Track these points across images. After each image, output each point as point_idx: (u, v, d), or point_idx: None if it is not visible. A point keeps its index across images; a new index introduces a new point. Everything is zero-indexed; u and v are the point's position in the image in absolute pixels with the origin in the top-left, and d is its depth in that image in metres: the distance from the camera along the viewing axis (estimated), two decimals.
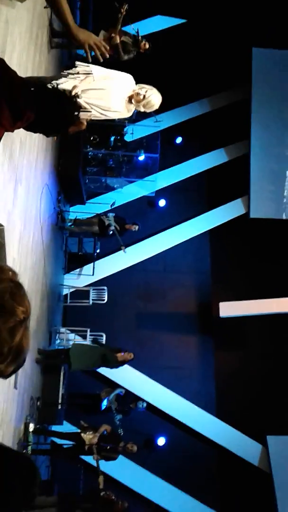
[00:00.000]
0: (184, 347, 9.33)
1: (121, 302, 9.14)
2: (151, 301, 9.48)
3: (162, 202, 10.07)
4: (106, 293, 8.67)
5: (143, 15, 9.31)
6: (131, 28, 6.21)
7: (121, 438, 6.76)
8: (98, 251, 8.87)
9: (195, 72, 10.21)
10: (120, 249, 8.68)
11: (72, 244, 8.76)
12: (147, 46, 6.18)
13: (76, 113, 2.10)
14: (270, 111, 10.21)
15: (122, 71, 6.88)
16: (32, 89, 1.90)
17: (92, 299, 8.60)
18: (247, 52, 10.18)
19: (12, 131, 1.83)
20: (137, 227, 8.69)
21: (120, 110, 4.23)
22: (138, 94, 4.13)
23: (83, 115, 4.17)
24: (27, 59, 4.79)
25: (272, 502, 8.17)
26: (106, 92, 4.15)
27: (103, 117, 4.28)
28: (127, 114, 4.32)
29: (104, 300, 8.65)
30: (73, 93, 3.99)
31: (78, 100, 3.95)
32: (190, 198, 10.22)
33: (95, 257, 8.92)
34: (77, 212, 8.96)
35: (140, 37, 6.07)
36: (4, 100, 1.71)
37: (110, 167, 9.10)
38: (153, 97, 4.17)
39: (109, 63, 6.30)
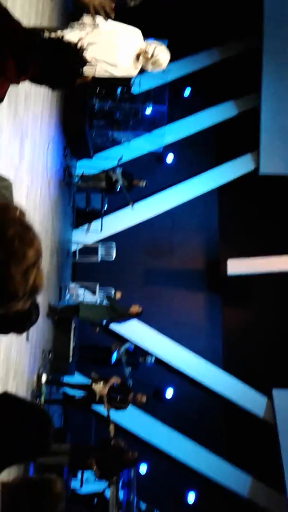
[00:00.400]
0: (192, 303, 9.43)
1: (129, 259, 9.18)
2: (159, 258, 9.51)
3: (169, 158, 9.91)
4: (114, 250, 8.69)
5: None
6: None
7: (130, 389, 6.96)
8: (105, 207, 8.82)
9: (204, 19, 9.76)
10: (128, 205, 8.63)
11: (79, 200, 8.71)
12: None
13: (81, 66, 2.01)
14: (283, 63, 9.80)
15: (129, 17, 6.61)
16: (37, 40, 1.82)
17: (101, 256, 8.63)
18: (258, 2, 9.67)
19: (18, 83, 1.78)
20: (144, 183, 8.59)
21: (127, 67, 4.08)
22: (146, 52, 3.98)
23: (87, 70, 4.04)
24: (30, 8, 4.60)
25: (276, 452, 8.48)
26: (113, 47, 3.99)
27: (108, 75, 4.11)
28: (134, 72, 4.17)
29: (112, 256, 8.69)
30: (79, 46, 3.84)
31: (84, 54, 3.83)
32: (198, 153, 10.03)
33: (102, 213, 8.88)
34: (84, 167, 8.84)
35: None
36: (9, 52, 1.66)
37: (116, 120, 8.88)
38: (162, 56, 4.02)
39: (116, 10, 6.05)
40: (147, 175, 8.89)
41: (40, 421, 1.36)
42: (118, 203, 9.00)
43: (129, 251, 9.21)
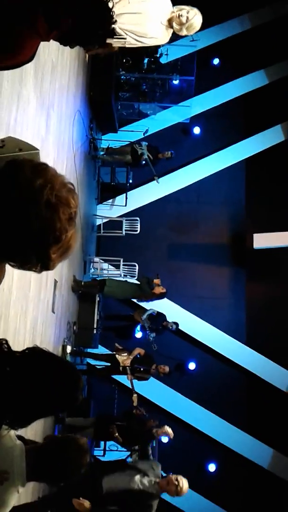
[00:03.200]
0: (216, 278, 9.40)
1: (153, 233, 9.16)
2: (184, 232, 9.45)
3: (196, 130, 9.70)
4: (139, 224, 8.67)
5: None
6: None
7: (154, 360, 7.07)
8: (130, 181, 8.76)
9: None
10: (153, 179, 8.55)
11: (104, 174, 8.67)
12: None
13: (111, 23, 1.94)
14: None
15: None
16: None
17: (125, 230, 8.63)
18: None
19: (48, 40, 1.73)
20: (170, 155, 8.47)
21: (158, 36, 3.96)
22: (180, 16, 3.84)
23: (117, 42, 3.88)
24: None
25: None
26: (142, 16, 3.85)
27: (139, 44, 4.01)
28: (165, 40, 4.05)
29: (137, 230, 8.68)
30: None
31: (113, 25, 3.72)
32: (226, 125, 9.78)
33: (127, 187, 8.83)
34: (109, 140, 8.76)
35: None
36: (39, 6, 1.61)
37: (143, 91, 8.71)
38: (196, 18, 3.91)
39: None
40: (173, 148, 8.75)
41: (69, 374, 1.40)
42: (143, 177, 8.92)
43: (154, 226, 9.18)
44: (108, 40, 3.92)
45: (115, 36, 3.76)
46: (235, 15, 9.80)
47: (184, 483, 4.01)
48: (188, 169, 9.55)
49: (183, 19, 3.85)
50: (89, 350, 7.51)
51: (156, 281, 7.35)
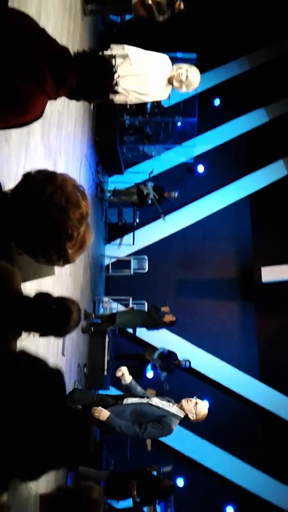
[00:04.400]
0: (225, 313, 9.35)
1: (161, 271, 9.20)
2: (191, 268, 9.49)
3: (200, 168, 9.90)
4: (146, 262, 8.74)
5: None
6: None
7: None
8: (137, 220, 8.89)
9: (232, 30, 9.76)
10: (159, 218, 8.67)
11: (112, 214, 8.82)
12: (181, 6, 5.95)
13: (114, 80, 2.05)
14: None
15: (157, 32, 6.69)
16: (74, 56, 1.89)
17: (133, 269, 8.69)
18: (285, 5, 9.60)
19: (55, 98, 1.84)
20: (176, 195, 8.63)
21: (158, 94, 4.11)
22: (179, 75, 3.96)
23: (119, 100, 4.08)
24: (62, 28, 4.73)
25: None
26: (143, 76, 4.00)
27: (140, 102, 4.18)
28: (165, 96, 4.20)
29: (145, 269, 8.73)
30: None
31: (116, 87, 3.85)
32: (229, 162, 9.98)
33: (134, 227, 8.96)
34: (115, 182, 8.96)
35: None
36: (47, 68, 1.71)
37: (147, 134, 8.97)
38: (195, 76, 4.01)
39: (144, 24, 6.15)
40: (179, 187, 8.92)
41: (82, 428, 1.40)
42: (150, 216, 9.06)
43: (162, 263, 9.23)
44: (111, 97, 4.09)
45: (118, 95, 3.92)
46: (234, 58, 10.17)
47: None
48: (194, 206, 9.69)
49: (182, 77, 3.95)
50: (100, 392, 7.41)
51: (164, 308, 7.33)
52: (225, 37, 9.71)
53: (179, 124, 9.23)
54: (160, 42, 8.81)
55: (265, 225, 9.66)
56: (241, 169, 9.97)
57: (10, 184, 3.38)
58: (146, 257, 8.77)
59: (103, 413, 3.84)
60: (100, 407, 3.90)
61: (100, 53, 3.20)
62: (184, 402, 4.07)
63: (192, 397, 4.18)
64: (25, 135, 3.77)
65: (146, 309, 7.94)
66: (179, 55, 7.38)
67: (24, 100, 1.71)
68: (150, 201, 8.44)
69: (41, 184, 1.30)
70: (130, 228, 8.98)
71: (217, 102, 10.05)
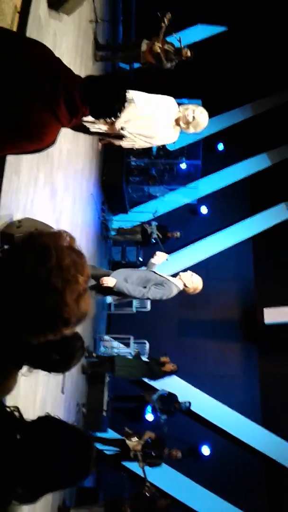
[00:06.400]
0: (228, 354, 9.21)
1: (164, 310, 9.14)
2: (193, 308, 9.42)
3: (204, 209, 10.04)
4: (149, 301, 8.69)
5: (184, 24, 9.38)
6: (173, 38, 6.27)
7: (165, 445, 6.74)
8: (141, 259, 8.93)
9: (236, 78, 10.17)
10: None
11: (115, 253, 8.87)
12: (188, 54, 6.19)
13: (123, 102, 2.10)
14: None
15: (165, 79, 6.93)
16: (86, 85, 1.95)
17: (135, 307, 8.64)
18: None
19: (68, 126, 1.90)
20: (179, 234, 8.70)
21: (166, 137, 4.01)
22: (186, 116, 3.86)
23: (127, 144, 4.02)
24: (74, 69, 4.93)
25: None
26: (150, 119, 3.92)
27: (148, 145, 4.10)
28: (174, 139, 4.06)
29: (147, 308, 8.68)
30: (117, 127, 3.80)
31: (122, 132, 3.82)
32: (232, 204, 10.14)
33: (138, 265, 8.97)
34: (120, 221, 9.07)
35: (182, 46, 6.09)
36: (62, 97, 1.78)
37: (152, 175, 9.17)
38: (202, 116, 3.91)
39: (152, 71, 6.41)
40: (182, 227, 9.02)
41: (83, 442, 1.33)
42: (153, 255, 9.08)
43: (164, 302, 9.16)
44: (118, 142, 4.10)
45: (124, 139, 3.93)
46: (238, 105, 10.53)
47: None
48: (197, 246, 9.75)
49: (189, 118, 3.83)
50: (98, 434, 7.20)
51: (164, 359, 7.20)
52: (229, 85, 10.09)
53: (183, 166, 9.44)
54: (166, 88, 9.21)
55: (268, 267, 9.68)
56: (244, 211, 10.11)
57: (18, 215, 3.44)
58: None
59: (110, 280, 4.13)
60: (106, 277, 4.17)
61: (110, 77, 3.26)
62: (181, 273, 4.39)
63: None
64: (34, 169, 3.86)
65: (147, 354, 7.81)
66: (185, 101, 7.64)
67: (39, 127, 1.77)
68: (154, 240, 8.50)
69: (34, 265, 1.11)
70: (134, 266, 8.99)
71: (221, 146, 10.32)
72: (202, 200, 10.03)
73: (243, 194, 10.28)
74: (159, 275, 4.39)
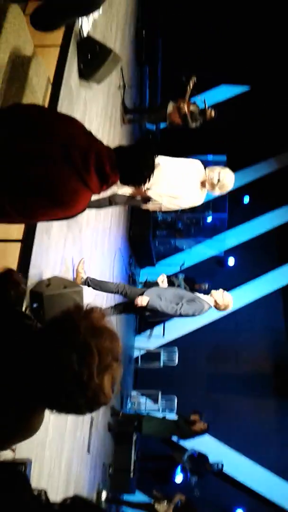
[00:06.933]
0: (261, 410, 8.84)
1: (192, 364, 8.95)
2: (223, 362, 9.20)
3: (231, 261, 10.02)
4: (176, 355, 8.55)
5: (209, 86, 9.80)
6: (197, 99, 6.54)
7: (196, 509, 6.39)
8: None
9: (260, 133, 10.42)
10: None
11: None
12: (213, 114, 6.42)
13: (152, 170, 2.18)
14: None
15: (191, 137, 7.12)
16: (116, 154, 2.03)
17: (163, 361, 8.50)
18: None
19: (99, 193, 1.99)
20: (207, 286, 8.65)
21: (193, 198, 4.05)
22: (212, 178, 3.91)
23: (153, 207, 4.09)
24: (103, 134, 5.17)
25: None
26: (177, 183, 3.98)
27: (174, 208, 4.13)
28: (200, 201, 4.10)
29: (175, 362, 8.52)
30: (143, 188, 3.89)
31: (148, 193, 3.92)
32: (259, 256, 10.09)
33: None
34: (147, 274, 9.13)
35: (207, 106, 6.32)
36: (92, 167, 1.87)
37: (179, 229, 9.29)
38: (228, 178, 3.95)
39: (178, 130, 6.64)
40: (210, 279, 8.98)
41: None
42: None
43: (192, 356, 9.02)
44: (145, 206, 4.19)
45: (150, 202, 4.00)
46: (263, 159, 10.71)
47: None
48: None
49: (215, 181, 3.87)
50: (126, 497, 6.91)
51: (194, 417, 6.91)
52: (253, 140, 10.33)
53: (209, 219, 9.54)
54: (192, 145, 9.53)
55: None
56: (271, 262, 10.03)
57: (47, 273, 3.52)
58: (176, 349, 8.60)
59: (144, 299, 4.20)
60: (140, 296, 4.25)
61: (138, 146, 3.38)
62: (213, 291, 4.40)
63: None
64: (64, 229, 3.98)
65: (175, 409, 7.58)
66: (210, 157, 7.86)
67: (71, 196, 1.86)
68: None
69: (74, 364, 1.11)
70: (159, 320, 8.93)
71: (246, 199, 10.43)
72: (229, 252, 10.04)
73: (270, 245, 10.25)
74: (191, 293, 4.47)
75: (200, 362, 9.13)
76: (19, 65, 3.23)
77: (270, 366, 9.26)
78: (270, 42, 9.63)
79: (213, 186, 3.94)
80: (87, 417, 4.98)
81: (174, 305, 4.23)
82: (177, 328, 9.19)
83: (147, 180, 2.14)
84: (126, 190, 4.05)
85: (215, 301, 4.32)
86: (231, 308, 4.42)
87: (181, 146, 9.28)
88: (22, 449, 2.92)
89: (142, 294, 4.30)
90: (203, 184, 4.00)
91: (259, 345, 9.41)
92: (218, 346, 9.36)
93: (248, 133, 10.35)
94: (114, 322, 6.46)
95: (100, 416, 5.79)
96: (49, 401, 1.19)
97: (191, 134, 6.82)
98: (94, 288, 4.42)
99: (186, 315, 4.27)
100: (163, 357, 8.50)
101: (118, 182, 2.10)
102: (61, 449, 4.06)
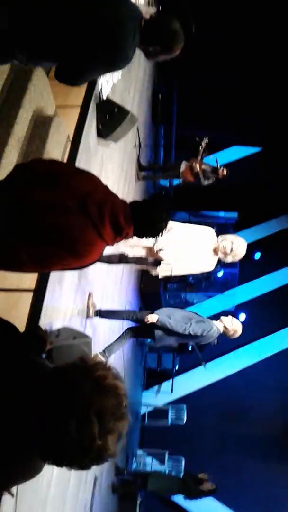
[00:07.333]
0: (272, 474, 8.41)
1: (201, 422, 8.66)
2: (234, 421, 8.89)
3: (242, 316, 9.91)
4: (185, 413, 8.28)
5: (221, 146, 10.15)
6: (210, 158, 6.76)
7: None
8: (177, 367, 8.71)
9: (271, 191, 10.63)
10: (200, 365, 8.47)
11: (151, 360, 8.72)
12: (225, 172, 6.61)
13: (167, 220, 2.23)
14: None
15: (203, 194, 7.28)
16: (130, 207, 2.09)
17: (171, 419, 8.23)
18: None
19: (112, 245, 2.03)
20: (217, 342, 8.51)
21: (204, 265, 4.08)
22: (224, 247, 3.95)
23: (163, 272, 4.13)
24: (118, 190, 5.34)
25: None
26: (189, 248, 4.02)
27: (185, 273, 4.19)
28: (211, 267, 4.13)
29: (183, 420, 8.24)
30: (155, 250, 3.99)
31: (160, 255, 3.99)
32: (271, 312, 9.99)
33: (174, 374, 8.73)
34: None
35: (219, 165, 6.52)
36: (109, 219, 1.94)
37: (190, 283, 9.30)
38: (240, 248, 3.98)
39: (191, 187, 6.82)
40: (220, 334, 8.85)
41: None
42: (190, 362, 8.87)
43: (201, 414, 8.73)
44: (155, 271, 4.22)
45: (161, 266, 4.03)
46: (273, 217, 10.86)
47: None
48: (236, 354, 9.47)
49: (227, 250, 3.90)
50: None
51: (202, 475, 6.63)
52: (265, 198, 10.52)
53: (220, 274, 9.56)
54: (204, 202, 9.77)
55: None
56: (282, 320, 9.91)
57: (57, 323, 3.53)
58: (185, 406, 8.35)
59: (154, 316, 4.22)
60: (149, 314, 4.29)
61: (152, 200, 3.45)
62: (222, 316, 4.45)
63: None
64: (76, 279, 4.02)
65: (182, 472, 7.26)
66: (221, 214, 8.03)
67: (85, 246, 1.91)
68: (190, 348, 8.34)
69: (73, 433, 1.10)
70: (169, 374, 8.75)
71: (257, 255, 10.48)
72: (240, 307, 9.96)
73: (282, 302, 10.16)
74: (200, 315, 4.50)
75: (209, 421, 8.83)
76: (41, 124, 3.41)
77: (281, 427, 8.92)
78: (280, 106, 10.04)
79: (225, 254, 3.99)
80: (90, 476, 4.78)
81: (183, 324, 4.25)
82: (186, 384, 8.97)
83: (160, 234, 2.20)
84: (138, 251, 4.09)
85: (224, 326, 4.33)
86: (239, 333, 4.43)
87: (194, 203, 9.52)
88: (23, 506, 2.80)
89: (152, 313, 4.35)
90: (215, 251, 4.03)
91: (271, 405, 9.12)
92: (229, 404, 9.08)
93: (259, 191, 10.57)
94: (123, 376, 6.34)
95: (104, 475, 5.56)
96: (51, 459, 1.17)
97: (204, 191, 6.99)
98: (106, 317, 4.49)
99: (195, 335, 4.27)
100: (171, 415, 8.23)
101: (132, 241, 2.15)
102: (63, 510, 3.87)
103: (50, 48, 2.08)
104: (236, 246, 3.97)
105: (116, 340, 4.58)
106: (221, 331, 4.36)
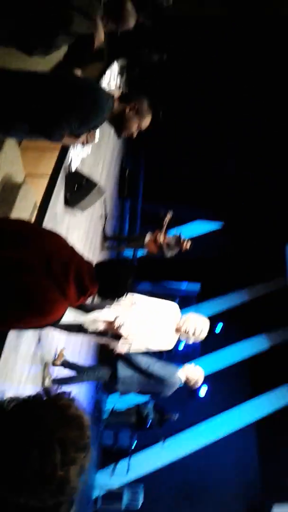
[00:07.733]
0: None
1: (159, 505, 8.15)
2: (194, 504, 8.42)
3: (203, 391, 9.73)
4: (141, 495, 7.79)
5: (184, 220, 10.53)
6: (173, 232, 7.00)
7: None
8: (134, 445, 8.29)
9: (233, 264, 10.94)
10: (158, 442, 8.14)
11: (107, 437, 8.26)
12: (188, 245, 6.83)
13: (132, 280, 2.24)
14: None
15: (167, 265, 7.39)
16: (96, 267, 2.11)
17: (125, 503, 7.68)
18: (280, 248, 10.97)
19: (75, 305, 2.01)
20: (176, 416, 8.27)
21: (165, 342, 3.98)
22: (187, 329, 3.88)
23: (122, 347, 3.99)
24: (84, 247, 5.36)
25: None
26: (150, 324, 3.93)
27: (144, 349, 4.03)
28: (171, 345, 4.03)
29: (138, 504, 7.71)
30: (116, 325, 3.89)
31: (120, 330, 3.89)
32: (232, 386, 9.87)
33: (130, 452, 8.30)
34: (114, 401, 8.71)
35: (182, 238, 6.76)
36: (72, 278, 1.94)
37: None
38: (203, 333, 3.95)
39: (155, 260, 6.96)
40: (180, 409, 8.61)
41: None
42: (148, 440, 8.51)
43: (159, 495, 8.24)
44: (114, 345, 4.17)
45: (121, 341, 3.90)
46: (233, 290, 11.09)
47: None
48: (195, 431, 9.18)
49: (190, 333, 3.86)
50: None
51: None
52: (227, 271, 10.81)
53: (181, 346, 9.49)
54: (167, 273, 9.91)
55: (274, 455, 8.95)
56: (245, 393, 9.79)
57: (10, 392, 3.35)
58: (142, 486, 7.87)
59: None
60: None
61: (103, 315, 3.48)
62: (186, 364, 4.39)
63: None
64: (32, 346, 3.91)
65: None
66: (184, 285, 8.13)
67: (48, 304, 1.88)
68: (149, 423, 8.03)
69: (35, 461, 1.07)
70: (126, 453, 8.31)
71: (219, 327, 10.53)
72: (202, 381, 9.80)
73: (244, 375, 10.10)
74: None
75: (168, 502, 8.33)
76: (9, 190, 3.47)
77: (242, 508, 8.53)
78: (240, 183, 10.64)
79: (187, 335, 3.94)
80: None
81: (148, 360, 4.20)
82: (143, 464, 8.52)
83: (123, 295, 2.21)
84: (98, 325, 3.99)
85: (186, 376, 4.25)
86: (200, 383, 4.36)
87: (157, 273, 9.64)
88: None
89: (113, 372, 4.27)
90: (177, 330, 3.96)
91: (231, 484, 8.76)
92: (188, 484, 8.64)
93: (222, 264, 10.86)
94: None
95: None
96: (10, 490, 1.11)
97: (167, 263, 7.13)
98: (65, 384, 4.42)
99: (157, 375, 4.16)
100: (126, 497, 7.71)
101: (92, 315, 2.15)
102: None
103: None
104: (199, 330, 3.92)
105: (73, 377, 4.48)
106: (183, 381, 4.28)
